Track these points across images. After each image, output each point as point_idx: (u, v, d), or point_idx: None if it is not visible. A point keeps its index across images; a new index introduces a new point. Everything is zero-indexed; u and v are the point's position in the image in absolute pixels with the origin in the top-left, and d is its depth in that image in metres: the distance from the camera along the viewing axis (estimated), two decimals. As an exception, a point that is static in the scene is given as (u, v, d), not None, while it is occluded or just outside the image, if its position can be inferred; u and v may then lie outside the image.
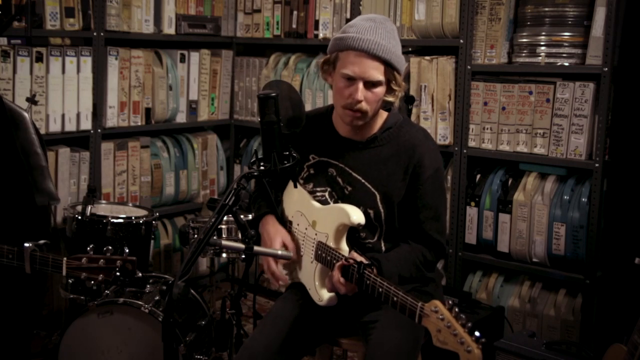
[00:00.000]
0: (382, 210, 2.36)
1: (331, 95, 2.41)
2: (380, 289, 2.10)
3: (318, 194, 2.45)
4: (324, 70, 2.39)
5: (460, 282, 3.61)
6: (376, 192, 2.36)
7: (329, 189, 2.43)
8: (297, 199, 2.48)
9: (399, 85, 2.32)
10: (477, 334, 1.85)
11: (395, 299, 2.06)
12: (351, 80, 2.28)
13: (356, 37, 2.26)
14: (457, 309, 1.90)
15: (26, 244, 2.33)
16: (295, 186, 2.39)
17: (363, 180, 2.38)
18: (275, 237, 2.39)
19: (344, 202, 2.39)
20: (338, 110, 2.38)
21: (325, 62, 2.37)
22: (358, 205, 2.35)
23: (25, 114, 2.70)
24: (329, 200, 2.43)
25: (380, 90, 2.30)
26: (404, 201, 2.37)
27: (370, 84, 2.28)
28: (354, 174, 2.40)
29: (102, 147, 3.85)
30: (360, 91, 2.27)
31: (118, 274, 2.30)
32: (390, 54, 2.26)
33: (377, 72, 2.27)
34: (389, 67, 2.28)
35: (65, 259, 2.32)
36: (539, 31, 3.35)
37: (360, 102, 2.28)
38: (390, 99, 2.34)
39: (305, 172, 2.48)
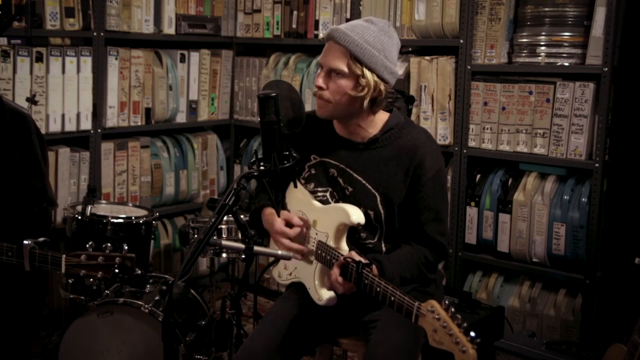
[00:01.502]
0: (382, 211, 2.36)
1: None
2: (378, 289, 2.10)
3: (319, 194, 2.45)
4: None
5: (460, 282, 3.61)
6: (376, 193, 2.36)
7: (330, 189, 2.43)
8: (298, 199, 2.48)
9: (368, 83, 2.27)
10: (472, 334, 1.85)
11: (392, 298, 2.06)
12: (321, 69, 2.33)
13: (332, 28, 2.31)
14: (453, 309, 1.90)
15: (25, 242, 2.33)
16: (295, 186, 2.39)
17: (364, 181, 2.38)
18: (274, 219, 2.38)
19: (344, 202, 2.39)
20: None
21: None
22: (358, 206, 2.35)
23: (28, 115, 2.69)
24: (330, 200, 2.43)
25: (344, 82, 2.28)
26: (405, 203, 2.36)
27: (334, 74, 2.29)
28: (354, 175, 2.40)
29: (102, 147, 3.85)
30: (322, 78, 2.31)
31: (117, 270, 2.30)
32: (354, 45, 2.25)
33: (339, 62, 2.27)
34: (355, 61, 2.26)
35: (64, 256, 2.32)
36: (539, 31, 3.35)
37: (322, 89, 2.31)
38: (357, 94, 2.28)
39: (307, 172, 2.48)
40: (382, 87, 2.31)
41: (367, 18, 2.35)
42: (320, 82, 2.31)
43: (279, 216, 2.43)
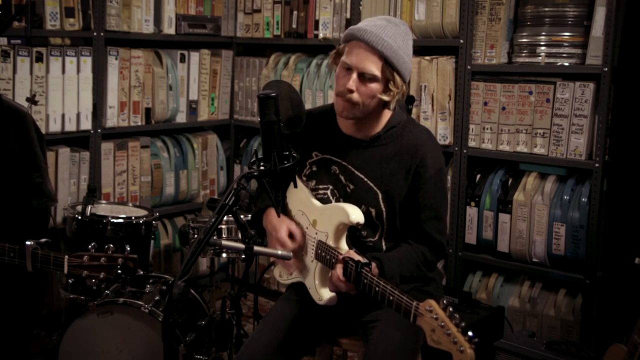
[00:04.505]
0: (383, 209, 2.36)
1: (331, 95, 2.40)
2: (377, 288, 2.10)
3: (320, 191, 2.45)
4: (333, 59, 2.40)
5: (460, 282, 3.61)
6: (378, 191, 2.37)
7: (331, 187, 2.43)
8: (298, 198, 2.48)
9: (397, 87, 2.30)
10: (470, 333, 1.85)
11: (391, 298, 2.06)
12: (349, 70, 2.30)
13: (363, 29, 2.27)
14: (451, 309, 1.90)
15: (28, 242, 2.33)
16: (295, 186, 2.39)
17: (365, 179, 2.38)
18: (280, 227, 2.39)
19: (346, 200, 2.39)
20: (334, 99, 2.38)
21: (336, 52, 2.38)
22: (360, 204, 2.35)
23: (27, 113, 2.69)
24: (330, 198, 2.43)
25: (375, 86, 2.29)
26: (405, 200, 2.37)
27: (365, 77, 2.28)
28: (356, 172, 2.40)
29: (102, 147, 3.85)
30: (353, 81, 2.28)
31: (119, 271, 2.30)
32: (390, 51, 2.25)
33: (373, 66, 2.26)
34: (388, 65, 2.26)
35: (66, 256, 2.32)
36: (539, 31, 3.35)
37: (352, 91, 2.29)
38: (385, 97, 2.31)
39: (308, 169, 2.48)
40: (405, 88, 2.33)
41: (385, 18, 2.33)
42: (352, 85, 2.28)
43: (279, 216, 2.43)
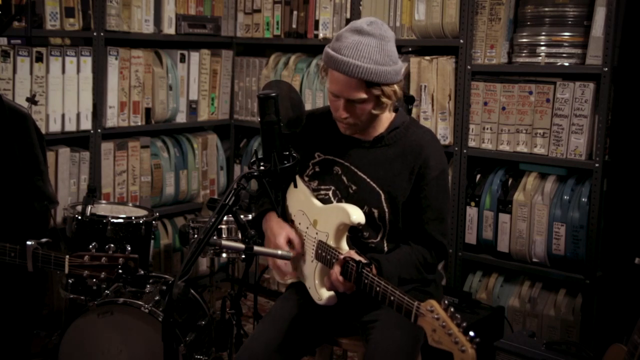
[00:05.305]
0: (386, 210, 2.36)
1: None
2: (378, 288, 2.10)
3: (322, 192, 2.44)
4: (324, 74, 2.39)
5: (460, 282, 3.61)
6: (381, 192, 2.37)
7: (333, 188, 2.43)
8: (299, 198, 2.48)
9: (389, 96, 2.29)
10: (471, 333, 1.85)
11: (392, 298, 2.06)
12: (337, 96, 2.30)
13: (335, 58, 2.24)
14: (452, 309, 1.90)
15: (28, 242, 2.33)
16: (296, 186, 2.39)
17: (368, 180, 2.38)
18: (279, 233, 2.39)
19: (348, 201, 2.39)
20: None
21: (323, 68, 2.38)
22: (362, 205, 2.35)
23: (28, 114, 2.69)
24: (332, 198, 2.43)
25: (366, 106, 2.29)
26: (408, 202, 2.37)
27: (354, 102, 2.28)
28: (359, 173, 2.40)
29: (102, 147, 3.85)
30: (343, 109, 2.30)
31: (120, 271, 2.30)
32: (369, 74, 2.22)
33: (357, 92, 2.26)
34: (372, 84, 2.25)
35: (67, 256, 2.32)
36: (539, 31, 3.35)
37: (345, 118, 2.31)
38: (379, 111, 2.32)
39: (311, 169, 2.48)
40: (398, 89, 2.32)
41: (357, 28, 2.27)
42: (343, 114, 2.30)
43: (278, 215, 2.44)
